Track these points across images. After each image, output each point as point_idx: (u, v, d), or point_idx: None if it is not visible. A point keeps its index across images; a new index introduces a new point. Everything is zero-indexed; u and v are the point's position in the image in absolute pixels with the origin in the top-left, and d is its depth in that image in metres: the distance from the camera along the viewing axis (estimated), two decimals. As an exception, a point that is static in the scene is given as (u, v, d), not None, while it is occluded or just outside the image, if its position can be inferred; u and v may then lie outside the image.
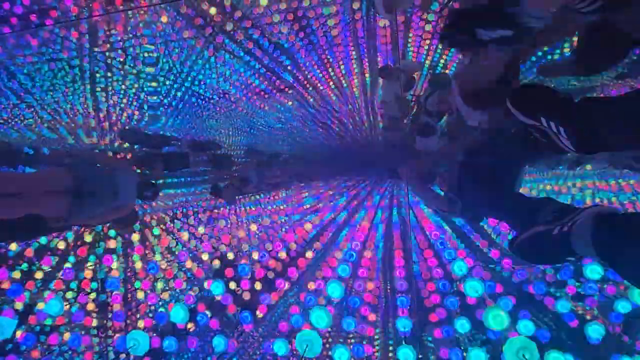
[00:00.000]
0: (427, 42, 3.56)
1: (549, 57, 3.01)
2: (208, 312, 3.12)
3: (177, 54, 3.73)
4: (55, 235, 3.59)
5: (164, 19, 3.48)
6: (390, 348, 3.12)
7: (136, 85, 3.92)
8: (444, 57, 3.64)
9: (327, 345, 2.60)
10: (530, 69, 3.16)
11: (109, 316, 3.47)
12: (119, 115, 4.07)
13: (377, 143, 4.72)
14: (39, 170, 3.39)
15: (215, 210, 4.40)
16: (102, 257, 3.49)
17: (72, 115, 3.99)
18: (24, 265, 3.41)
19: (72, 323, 3.29)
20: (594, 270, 2.34)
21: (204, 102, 4.15)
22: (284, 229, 4.27)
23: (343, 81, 4.12)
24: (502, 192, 2.08)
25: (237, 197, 4.28)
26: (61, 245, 3.59)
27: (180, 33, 3.60)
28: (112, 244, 3.60)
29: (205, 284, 3.33)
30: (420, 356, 2.51)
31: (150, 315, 3.30)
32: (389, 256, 3.65)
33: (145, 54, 3.70)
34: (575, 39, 2.39)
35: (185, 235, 4.01)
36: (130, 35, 3.56)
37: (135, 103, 4.04)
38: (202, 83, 3.98)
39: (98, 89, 3.87)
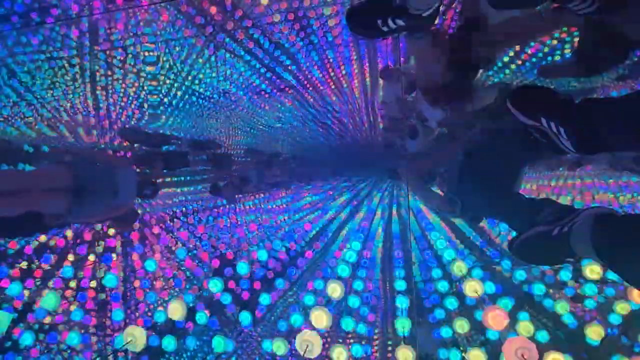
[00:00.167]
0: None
1: (550, 58, 3.02)
2: (207, 312, 3.12)
3: (177, 53, 3.73)
4: (55, 233, 3.59)
5: (165, 17, 3.48)
6: (389, 348, 3.12)
7: (136, 84, 3.92)
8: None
9: (326, 345, 2.60)
10: (530, 70, 3.16)
11: (108, 315, 3.47)
12: (119, 113, 4.07)
13: (377, 143, 4.71)
14: (39, 168, 3.40)
15: (215, 209, 4.40)
16: (101, 256, 3.49)
17: (72, 114, 3.99)
18: (23, 263, 3.41)
19: (70, 322, 3.29)
20: (593, 271, 2.34)
21: (204, 101, 4.14)
22: (283, 229, 4.27)
23: (343, 81, 4.12)
24: (501, 193, 2.09)
25: (236, 197, 4.27)
26: (60, 243, 3.58)
27: (180, 32, 3.60)
28: (111, 242, 3.60)
29: (205, 283, 3.34)
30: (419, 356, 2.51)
31: (149, 314, 3.30)
32: (388, 256, 3.65)
33: (146, 53, 3.70)
34: (576, 39, 2.40)
35: (184, 234, 4.01)
36: (131, 34, 3.56)
37: (135, 102, 4.03)
38: (202, 82, 3.98)
39: (98, 88, 3.87)
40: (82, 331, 3.20)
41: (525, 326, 2.45)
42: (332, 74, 4.07)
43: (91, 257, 3.58)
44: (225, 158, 4.51)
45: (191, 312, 3.14)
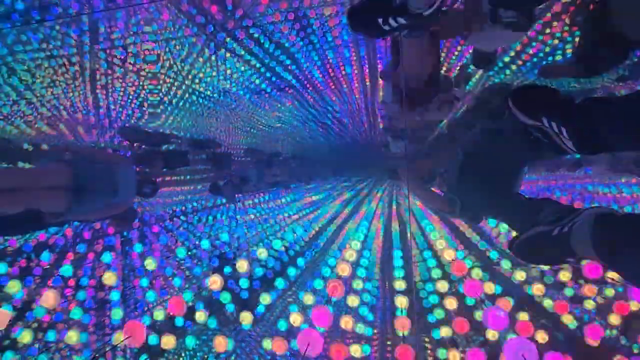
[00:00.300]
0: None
1: (550, 58, 3.02)
2: (206, 311, 3.12)
3: (177, 52, 3.73)
4: (54, 232, 3.59)
5: (165, 16, 3.47)
6: (389, 349, 3.12)
7: (136, 83, 3.92)
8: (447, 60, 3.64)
9: (326, 345, 2.59)
10: (531, 70, 3.17)
11: (107, 313, 3.47)
12: (119, 112, 4.07)
13: (377, 143, 4.72)
14: (39, 166, 3.39)
15: (214, 209, 4.40)
16: (100, 254, 3.49)
17: (72, 112, 3.99)
18: (22, 262, 3.41)
19: (69, 320, 3.29)
20: (592, 272, 2.35)
21: (204, 100, 4.15)
22: (283, 228, 4.27)
23: (343, 82, 4.12)
24: (501, 193, 2.09)
25: (236, 196, 4.28)
26: (59, 241, 3.58)
27: (181, 31, 3.59)
28: (110, 241, 3.59)
29: (205, 282, 3.33)
30: (418, 356, 2.51)
31: (148, 312, 3.29)
32: (388, 256, 3.65)
33: (146, 52, 3.70)
34: (577, 40, 2.40)
35: (183, 234, 4.01)
36: (131, 33, 3.55)
37: (135, 101, 4.03)
38: (202, 81, 3.98)
39: (98, 87, 3.87)
40: (81, 330, 3.20)
41: (525, 326, 2.45)
42: (332, 74, 4.07)
43: (90, 256, 3.58)
44: (225, 157, 4.51)
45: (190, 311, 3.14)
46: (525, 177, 2.36)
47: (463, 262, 2.49)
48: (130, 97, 4.00)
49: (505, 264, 3.05)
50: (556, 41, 2.94)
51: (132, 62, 3.74)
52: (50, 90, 3.83)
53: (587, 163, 3.40)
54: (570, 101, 1.40)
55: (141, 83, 3.92)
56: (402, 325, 2.54)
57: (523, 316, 2.67)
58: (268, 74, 3.87)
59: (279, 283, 3.22)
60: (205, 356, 3.19)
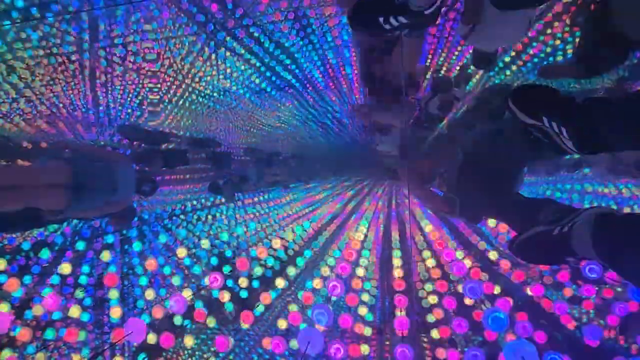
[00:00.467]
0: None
1: (551, 59, 3.02)
2: (205, 310, 3.11)
3: (177, 51, 3.72)
4: (53, 230, 3.58)
5: (165, 14, 3.47)
6: (387, 348, 3.12)
7: (136, 81, 3.91)
8: (448, 60, 3.65)
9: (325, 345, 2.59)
10: (532, 70, 3.17)
11: (106, 312, 3.46)
12: (118, 110, 4.06)
13: (370, 144, 4.72)
14: (38, 163, 3.39)
15: (214, 208, 4.40)
16: (99, 253, 3.48)
17: (72, 110, 3.98)
18: (21, 259, 3.40)
19: (68, 318, 3.28)
20: (592, 271, 2.34)
21: (204, 99, 4.14)
22: (282, 228, 4.27)
23: (343, 81, 4.12)
24: (501, 193, 2.08)
25: (235, 195, 4.28)
26: (58, 239, 3.58)
27: (181, 29, 3.59)
28: (109, 239, 3.59)
29: (204, 281, 3.33)
30: (417, 356, 2.50)
31: (147, 311, 3.29)
32: (387, 256, 3.65)
33: (146, 50, 3.69)
34: (577, 40, 2.40)
35: (182, 232, 4.00)
36: (131, 31, 3.55)
37: (135, 99, 4.03)
38: (202, 80, 3.98)
39: (98, 85, 3.86)
40: (80, 328, 3.19)
41: (523, 327, 2.45)
42: (332, 74, 4.07)
43: (89, 254, 3.58)
44: (224, 156, 4.51)
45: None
46: (525, 177, 2.36)
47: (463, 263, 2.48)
48: (130, 95, 4.00)
49: (505, 264, 3.05)
50: (557, 41, 2.95)
51: (132, 60, 3.74)
52: (50, 88, 3.82)
53: (586, 164, 3.41)
54: (571, 101, 1.40)
55: (141, 81, 3.92)
56: (401, 325, 2.53)
57: (520, 316, 2.67)
58: (268, 74, 3.87)
59: (279, 282, 3.22)
60: (205, 355, 3.19)
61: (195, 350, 3.31)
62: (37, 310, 2.96)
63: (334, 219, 4.61)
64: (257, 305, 3.12)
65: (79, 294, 3.38)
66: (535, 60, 3.09)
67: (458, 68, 3.62)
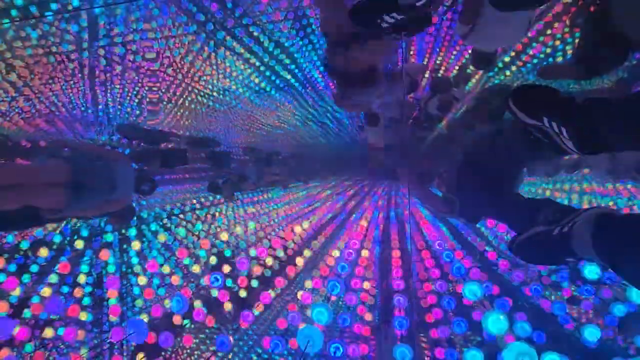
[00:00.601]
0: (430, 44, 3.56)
1: (550, 59, 3.02)
2: (204, 309, 3.11)
3: (177, 50, 3.72)
4: (51, 228, 3.57)
5: (165, 14, 3.46)
6: (385, 347, 3.12)
7: (136, 80, 3.90)
8: (446, 60, 3.65)
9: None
10: (531, 71, 3.17)
11: (105, 311, 3.46)
12: (117, 109, 4.05)
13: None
14: (37, 162, 3.38)
15: (213, 207, 4.39)
16: (98, 252, 3.47)
17: (71, 109, 3.97)
18: (20, 258, 3.39)
19: (67, 317, 3.27)
20: (591, 272, 2.35)
21: (203, 98, 4.13)
22: (281, 227, 4.26)
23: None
24: (501, 193, 2.08)
25: (234, 195, 4.27)
26: (57, 238, 3.57)
27: (180, 29, 3.58)
28: (108, 238, 3.58)
29: (202, 280, 3.32)
30: (416, 355, 2.50)
31: (146, 310, 3.28)
32: (386, 256, 3.65)
33: (145, 49, 3.68)
34: (577, 41, 2.40)
35: (182, 232, 4.00)
36: (131, 30, 3.54)
37: (134, 98, 4.02)
38: (201, 79, 3.97)
39: (97, 83, 3.85)
40: (78, 327, 3.19)
41: (522, 327, 2.45)
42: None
43: (88, 253, 3.57)
44: (224, 156, 4.50)
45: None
46: (525, 177, 2.36)
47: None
48: (129, 94, 3.99)
49: (503, 265, 3.05)
50: (557, 42, 2.95)
51: (131, 59, 3.73)
52: (49, 87, 3.81)
53: (586, 165, 3.41)
54: (571, 101, 1.40)
55: (140, 80, 3.91)
56: (400, 325, 2.53)
57: (519, 317, 2.67)
58: (268, 73, 3.86)
59: (278, 282, 3.22)
60: (204, 354, 3.19)
61: (194, 349, 3.31)
62: (36, 309, 2.96)
63: (333, 219, 4.60)
64: (258, 305, 3.12)
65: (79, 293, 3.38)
66: (535, 60, 3.09)
67: (457, 68, 3.62)
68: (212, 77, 3.93)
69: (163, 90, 4.00)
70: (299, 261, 3.47)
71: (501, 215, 2.13)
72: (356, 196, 5.06)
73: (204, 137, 4.42)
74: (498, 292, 2.84)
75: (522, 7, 2.00)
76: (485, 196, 2.21)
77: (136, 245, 3.62)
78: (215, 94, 4.06)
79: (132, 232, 3.72)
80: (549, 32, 2.93)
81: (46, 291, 3.13)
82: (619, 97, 1.35)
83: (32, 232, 3.49)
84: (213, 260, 3.55)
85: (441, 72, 3.71)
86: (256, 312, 3.18)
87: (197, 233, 4.03)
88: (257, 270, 3.36)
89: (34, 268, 3.38)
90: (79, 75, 3.75)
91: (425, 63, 3.70)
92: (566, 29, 2.82)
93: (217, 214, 4.38)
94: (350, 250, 3.29)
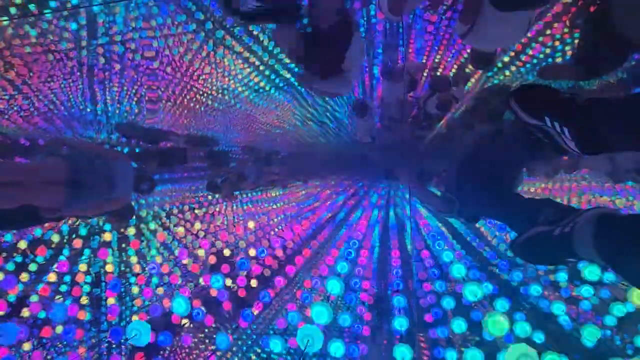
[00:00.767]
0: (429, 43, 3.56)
1: (550, 60, 3.02)
2: (203, 308, 3.10)
3: (176, 48, 3.71)
4: (50, 227, 3.56)
5: (164, 12, 3.45)
6: (384, 347, 3.12)
7: (135, 79, 3.89)
8: (445, 59, 3.64)
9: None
10: (530, 71, 3.17)
11: (103, 310, 3.45)
12: (116, 108, 4.04)
13: (376, 143, 4.71)
14: (35, 160, 3.36)
15: (212, 207, 4.39)
16: (96, 251, 3.46)
17: (70, 107, 3.96)
18: (18, 258, 3.38)
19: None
20: (591, 273, 2.35)
21: (202, 97, 4.12)
22: (281, 227, 4.26)
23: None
24: (501, 193, 2.08)
25: (233, 194, 4.26)
26: (55, 238, 3.55)
27: (180, 27, 3.57)
28: (107, 237, 3.57)
29: (201, 280, 3.32)
30: (415, 355, 2.51)
31: (145, 309, 3.28)
32: (385, 255, 3.65)
33: (145, 48, 3.67)
34: (577, 41, 2.40)
35: (181, 231, 3.99)
36: (130, 28, 3.53)
37: (133, 97, 4.01)
38: (200, 78, 3.96)
39: (96, 82, 3.84)
40: (76, 326, 3.18)
41: (522, 327, 2.45)
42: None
43: (86, 252, 3.56)
44: (223, 155, 4.49)
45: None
46: (525, 177, 2.36)
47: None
48: (128, 93, 3.98)
49: (503, 265, 3.06)
50: (556, 42, 2.95)
51: (130, 58, 3.72)
52: (48, 85, 3.79)
53: (585, 166, 3.41)
54: (572, 101, 1.40)
55: (139, 79, 3.89)
56: (400, 325, 2.53)
57: (519, 317, 2.67)
58: (267, 72, 3.86)
59: (277, 281, 3.21)
60: (203, 354, 3.18)
61: (193, 349, 3.31)
62: (34, 308, 2.95)
63: (332, 218, 4.60)
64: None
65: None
66: (534, 61, 3.09)
67: (456, 67, 3.62)
68: (211, 76, 3.92)
69: (162, 89, 3.98)
70: (298, 260, 3.47)
71: (501, 215, 2.13)
72: (356, 196, 5.06)
73: (203, 136, 4.41)
74: (498, 292, 2.84)
75: (523, 7, 2.00)
76: (484, 196, 2.21)
77: (134, 244, 3.61)
78: (214, 93, 4.05)
79: (131, 231, 3.71)
80: (548, 32, 2.93)
81: (46, 289, 3.12)
82: (619, 97, 1.35)
83: (31, 231, 3.47)
84: (212, 259, 3.55)
85: (440, 71, 3.71)
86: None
87: (195, 232, 4.02)
88: (256, 269, 3.36)
89: (33, 267, 3.37)
90: (78, 73, 3.74)
91: (424, 62, 3.69)
92: (565, 30, 2.82)
93: (216, 213, 4.37)
94: (350, 250, 3.29)
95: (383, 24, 3.43)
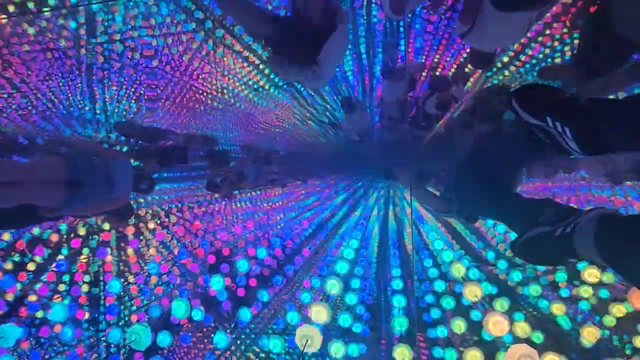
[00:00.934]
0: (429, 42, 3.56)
1: (549, 60, 3.03)
2: (202, 307, 3.10)
3: (175, 47, 3.70)
4: (48, 227, 3.55)
5: (164, 11, 3.45)
6: (384, 347, 3.12)
7: (134, 78, 3.88)
8: (444, 58, 3.64)
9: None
10: (530, 71, 3.17)
11: (102, 310, 3.44)
12: (115, 107, 4.03)
13: (375, 142, 4.72)
14: (34, 159, 3.35)
15: (211, 206, 4.38)
16: (95, 250, 3.46)
17: (68, 106, 3.95)
18: (16, 257, 3.37)
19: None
20: (591, 275, 2.36)
21: (201, 96, 4.12)
22: (280, 226, 4.26)
23: (341, 80, 4.11)
24: (501, 193, 2.08)
25: (233, 193, 4.26)
26: (54, 237, 3.54)
27: (179, 26, 3.56)
28: (106, 236, 3.56)
29: (200, 279, 3.31)
30: (415, 355, 2.51)
31: (144, 309, 3.27)
32: (384, 255, 3.65)
33: (144, 46, 3.66)
34: (576, 42, 2.40)
35: (180, 230, 3.98)
36: (129, 27, 3.52)
37: (132, 95, 4.00)
38: (200, 77, 3.95)
39: (94, 81, 3.83)
40: (74, 325, 3.17)
41: (521, 327, 2.45)
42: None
43: (85, 251, 3.55)
44: (222, 154, 4.49)
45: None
46: (524, 177, 2.36)
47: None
48: (127, 91, 3.97)
49: (502, 265, 3.06)
50: (555, 43, 2.95)
51: (129, 56, 3.71)
52: (46, 84, 3.78)
53: (584, 167, 3.42)
54: (573, 101, 1.40)
55: (138, 78, 3.89)
56: (399, 325, 2.53)
57: (519, 317, 2.68)
58: (267, 71, 3.85)
59: (276, 280, 3.21)
60: (201, 353, 3.18)
61: (192, 348, 3.30)
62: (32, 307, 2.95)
63: (331, 218, 4.60)
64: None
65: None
66: (534, 61, 3.09)
67: (455, 67, 3.62)
68: (210, 75, 3.91)
69: (161, 88, 3.98)
70: (297, 260, 3.47)
71: (501, 215, 2.13)
72: (355, 195, 5.06)
73: (203, 135, 4.40)
74: (497, 292, 2.85)
75: (523, 8, 2.00)
76: (484, 196, 2.21)
77: (134, 244, 3.60)
78: (214, 92, 4.05)
79: (130, 230, 3.70)
80: (547, 32, 2.93)
81: (44, 289, 3.11)
82: (621, 98, 1.35)
83: (30, 230, 3.46)
84: (211, 259, 3.55)
85: (439, 70, 3.71)
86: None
87: (194, 231, 4.02)
88: (255, 269, 3.36)
89: (31, 266, 3.36)
90: (77, 72, 3.73)
91: (423, 61, 3.69)
92: (565, 30, 2.82)
93: (214, 212, 4.37)
94: (350, 250, 3.29)
95: (383, 24, 3.43)
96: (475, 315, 2.77)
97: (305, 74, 2.35)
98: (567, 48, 2.93)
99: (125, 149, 3.99)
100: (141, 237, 3.77)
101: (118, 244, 3.67)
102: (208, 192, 4.26)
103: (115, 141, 4.03)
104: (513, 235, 1.67)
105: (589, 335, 2.48)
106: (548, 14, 2.86)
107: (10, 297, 3.10)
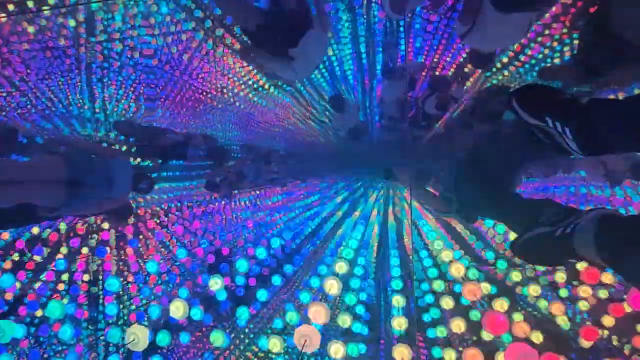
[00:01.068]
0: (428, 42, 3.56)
1: (549, 60, 3.03)
2: (201, 307, 3.09)
3: (175, 46, 3.70)
4: (47, 226, 3.55)
5: (163, 10, 3.44)
6: (383, 347, 3.12)
7: (133, 77, 3.88)
8: (444, 58, 3.64)
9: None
10: (529, 71, 3.17)
11: (101, 309, 3.44)
12: (114, 106, 4.03)
13: (374, 143, 4.72)
14: (33, 159, 3.35)
15: (211, 205, 4.38)
16: (95, 250, 3.45)
17: (67, 105, 3.94)
18: (15, 256, 3.37)
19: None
20: (590, 276, 2.36)
21: (201, 95, 4.11)
22: (279, 226, 4.26)
23: (341, 79, 4.11)
24: (501, 193, 2.08)
25: (232, 193, 4.25)
26: (53, 236, 3.54)
27: (179, 25, 3.56)
28: (105, 236, 3.56)
29: (199, 279, 3.31)
30: (414, 355, 2.51)
31: (143, 308, 3.27)
32: (384, 255, 3.65)
33: (143, 45, 3.66)
34: (576, 42, 2.41)
35: (179, 230, 3.98)
36: (129, 26, 3.51)
37: (131, 94, 4.00)
38: (200, 76, 3.95)
39: (94, 79, 3.83)
40: (73, 324, 3.17)
41: (520, 327, 2.45)
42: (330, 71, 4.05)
43: (84, 250, 3.55)
44: (222, 154, 4.49)
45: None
46: (524, 177, 2.37)
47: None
48: (127, 91, 3.96)
49: (501, 265, 3.06)
50: (555, 43, 2.95)
51: (129, 55, 3.70)
52: (45, 83, 3.78)
53: (582, 167, 3.42)
54: (573, 101, 1.40)
55: (138, 77, 3.88)
56: (399, 324, 2.53)
57: (518, 317, 2.68)
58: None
59: (275, 280, 3.21)
60: (200, 352, 3.18)
61: (190, 347, 3.30)
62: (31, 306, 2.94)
63: (331, 217, 4.60)
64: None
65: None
66: (533, 61, 3.09)
67: (455, 67, 3.62)
68: (210, 74, 3.91)
69: (161, 87, 3.97)
70: (297, 260, 3.47)
71: (500, 216, 2.13)
72: (355, 195, 5.06)
73: (202, 135, 4.40)
74: (496, 292, 2.85)
75: (523, 8, 2.00)
76: (484, 196, 2.21)
77: (133, 243, 3.60)
78: (213, 91, 4.05)
79: (130, 230, 3.70)
80: (547, 32, 2.93)
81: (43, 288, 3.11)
82: (621, 98, 1.35)
83: (29, 229, 3.46)
84: (210, 258, 3.55)
85: (438, 70, 3.71)
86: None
87: (194, 231, 4.02)
88: (254, 268, 3.35)
89: (30, 265, 3.36)
90: (76, 70, 3.73)
91: (423, 61, 3.69)
92: (564, 30, 2.82)
93: (214, 211, 4.37)
94: (349, 249, 3.29)
95: (383, 24, 3.43)
96: (474, 315, 2.78)
97: (280, 66, 2.38)
98: (566, 48, 2.93)
99: (124, 148, 3.99)
100: (140, 237, 3.77)
101: (117, 243, 3.67)
102: (207, 192, 4.26)
103: (115, 140, 4.03)
104: (513, 236, 1.67)
105: (588, 336, 2.48)
106: (547, 15, 2.86)
107: (9, 296, 3.10)
